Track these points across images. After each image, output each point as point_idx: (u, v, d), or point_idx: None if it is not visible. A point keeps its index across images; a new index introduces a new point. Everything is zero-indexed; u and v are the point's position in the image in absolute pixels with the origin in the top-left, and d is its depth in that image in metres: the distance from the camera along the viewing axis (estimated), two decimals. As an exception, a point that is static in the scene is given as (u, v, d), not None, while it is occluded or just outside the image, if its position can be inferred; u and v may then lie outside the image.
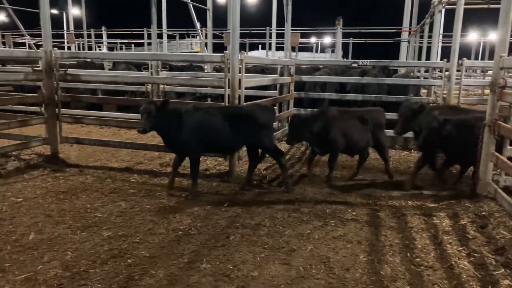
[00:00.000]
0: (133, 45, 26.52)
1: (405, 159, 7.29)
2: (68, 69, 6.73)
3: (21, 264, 3.31)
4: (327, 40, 29.95)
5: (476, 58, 24.00)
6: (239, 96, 5.77)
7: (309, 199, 4.94)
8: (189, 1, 15.04)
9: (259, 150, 5.45)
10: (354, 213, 4.56)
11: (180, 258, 3.46)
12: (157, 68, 9.06)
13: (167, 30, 21.32)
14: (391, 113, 6.56)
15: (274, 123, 6.51)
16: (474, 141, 4.95)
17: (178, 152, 5.14)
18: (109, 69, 12.11)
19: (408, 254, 3.61)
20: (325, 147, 5.63)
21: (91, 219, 4.22)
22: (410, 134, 5.87)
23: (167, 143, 5.07)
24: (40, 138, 6.50)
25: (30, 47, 19.86)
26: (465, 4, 7.48)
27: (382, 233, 4.04)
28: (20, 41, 21.64)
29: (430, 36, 12.39)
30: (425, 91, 11.00)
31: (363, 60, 8.63)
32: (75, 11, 25.63)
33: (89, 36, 22.29)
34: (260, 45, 26.90)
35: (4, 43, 19.79)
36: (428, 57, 13.01)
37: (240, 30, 5.73)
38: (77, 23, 25.18)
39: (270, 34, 20.34)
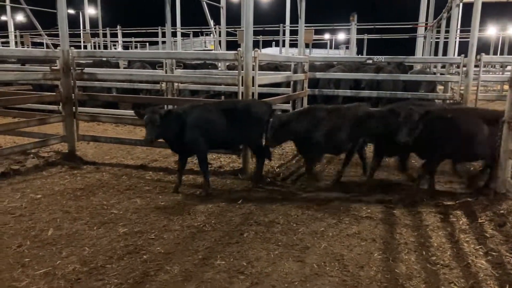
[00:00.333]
0: (147, 43, 26.78)
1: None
2: (85, 68, 6.85)
3: (40, 259, 3.39)
4: (341, 36, 29.67)
5: (495, 53, 23.43)
6: (253, 93, 5.77)
7: (323, 197, 4.92)
8: (203, -1, 15.10)
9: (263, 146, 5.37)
10: (369, 210, 4.52)
11: (195, 255, 3.49)
12: (171, 66, 9.13)
13: (181, 28, 21.47)
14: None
15: None
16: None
17: (184, 153, 5.15)
18: (124, 68, 12.26)
19: (424, 253, 3.56)
20: (307, 148, 5.31)
21: (108, 216, 4.29)
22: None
23: (172, 147, 5.14)
24: (58, 136, 6.63)
25: (48, 47, 20.25)
26: (483, -2, 7.32)
27: (397, 231, 4.01)
28: (38, 41, 22.09)
29: (447, 31, 12.16)
30: (442, 87, 10.82)
31: (378, 56, 8.51)
32: (91, 11, 26.01)
33: (104, 35, 22.60)
34: (274, 42, 26.82)
35: (22, 43, 20.22)
36: (445, 53, 12.79)
37: (254, 27, 5.72)
38: (93, 22, 25.56)
39: (284, 31, 20.29)
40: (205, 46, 27.06)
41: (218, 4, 16.15)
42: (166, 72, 9.13)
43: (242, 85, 5.64)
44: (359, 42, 21.61)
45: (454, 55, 10.93)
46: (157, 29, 20.06)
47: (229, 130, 5.06)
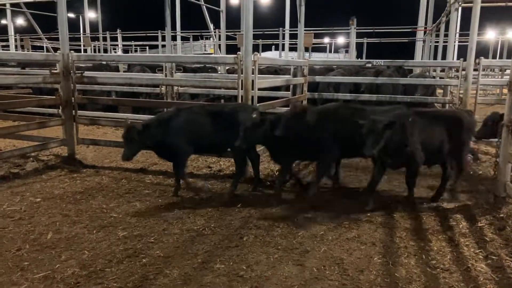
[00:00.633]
0: (147, 47, 26.84)
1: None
2: (85, 72, 6.86)
3: (40, 262, 3.38)
4: (340, 40, 29.76)
5: (494, 57, 23.49)
6: (252, 97, 5.78)
7: (323, 201, 4.92)
8: (203, 3, 15.14)
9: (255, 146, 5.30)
10: (368, 214, 4.52)
11: (194, 258, 3.49)
12: (171, 70, 9.15)
13: (181, 32, 21.52)
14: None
15: None
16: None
17: (171, 157, 5.14)
18: (124, 71, 12.28)
19: (424, 256, 3.56)
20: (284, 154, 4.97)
21: (107, 219, 4.28)
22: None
23: (159, 154, 5.19)
24: (58, 140, 6.63)
25: (48, 50, 20.28)
26: (482, 2, 7.35)
27: (396, 235, 4.00)
28: (38, 44, 22.12)
29: (446, 35, 12.19)
30: (441, 91, 10.84)
31: (377, 60, 8.54)
32: (91, 15, 26.07)
33: (104, 39, 22.64)
34: (274, 46, 26.91)
35: (22, 47, 20.25)
36: (444, 57, 12.81)
37: (253, 31, 5.74)
38: (93, 26, 25.61)
39: (283, 35, 20.34)
40: (205, 50, 27.12)
41: (218, 8, 16.21)
42: (166, 76, 9.14)
43: (241, 89, 5.65)
44: (359, 46, 21.68)
45: (453, 59, 10.95)
46: (157, 33, 20.11)
47: (215, 134, 5.00)
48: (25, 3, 18.78)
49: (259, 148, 5.53)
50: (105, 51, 22.80)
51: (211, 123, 5.01)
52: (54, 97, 6.56)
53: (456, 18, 10.54)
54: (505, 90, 12.62)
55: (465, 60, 7.50)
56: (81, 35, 23.64)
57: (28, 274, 3.20)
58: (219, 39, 16.31)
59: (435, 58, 15.08)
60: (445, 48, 11.69)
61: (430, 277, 3.24)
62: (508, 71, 14.28)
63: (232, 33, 19.21)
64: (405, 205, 4.77)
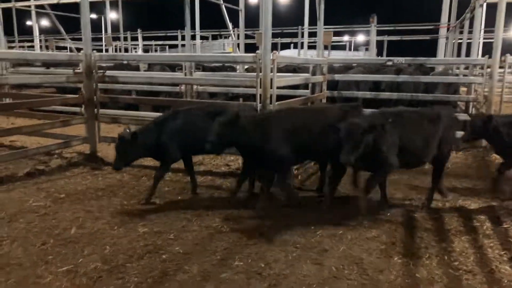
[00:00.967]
0: (167, 46, 27.11)
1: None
2: (106, 71, 6.99)
3: (63, 256, 3.48)
4: (360, 38, 29.36)
5: (520, 54, 22.75)
6: (271, 95, 5.78)
7: (341, 200, 4.87)
8: (222, 2, 15.20)
9: None
10: (388, 214, 4.46)
11: (213, 255, 3.52)
12: (190, 69, 9.23)
13: (200, 32, 21.64)
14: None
15: None
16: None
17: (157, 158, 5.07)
18: (145, 71, 12.45)
19: (446, 257, 3.49)
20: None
21: (128, 216, 4.36)
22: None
23: (154, 157, 5.10)
24: (80, 138, 6.79)
25: (71, 50, 20.76)
26: (508, -3, 7.14)
27: (417, 235, 3.93)
28: (62, 45, 22.64)
29: (470, 32, 11.87)
30: (465, 89, 10.57)
31: (398, 58, 8.38)
32: (112, 15, 26.52)
33: (125, 39, 22.98)
34: (292, 44, 26.74)
35: (47, 47, 20.78)
36: (468, 54, 12.48)
37: (272, 29, 5.73)
38: (114, 26, 26.05)
39: (302, 33, 20.19)
40: (224, 49, 27.22)
41: (236, 7, 16.25)
42: (185, 75, 9.22)
43: (260, 87, 5.65)
44: (379, 44, 21.33)
45: (477, 56, 10.65)
46: (177, 33, 20.30)
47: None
48: (49, 5, 19.28)
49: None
50: (126, 50, 23.15)
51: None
52: (77, 96, 6.71)
53: (480, 14, 10.27)
54: (532, 88, 12.22)
55: (490, 57, 7.30)
56: (103, 35, 24.08)
57: (52, 268, 3.29)
58: (238, 38, 16.34)
59: (458, 55, 14.69)
60: (469, 45, 11.38)
61: (452, 278, 3.17)
62: (535, 69, 13.82)
63: (251, 32, 19.21)
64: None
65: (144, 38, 24.75)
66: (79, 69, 6.51)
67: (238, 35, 16.27)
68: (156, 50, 27.07)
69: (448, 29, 17.64)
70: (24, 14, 25.48)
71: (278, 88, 5.98)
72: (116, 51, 23.16)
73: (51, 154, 6.70)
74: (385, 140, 4.14)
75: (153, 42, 26.20)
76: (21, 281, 3.09)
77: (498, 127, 4.90)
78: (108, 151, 7.24)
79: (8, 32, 17.73)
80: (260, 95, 5.66)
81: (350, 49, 30.32)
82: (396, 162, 4.27)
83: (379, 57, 19.13)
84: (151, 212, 4.46)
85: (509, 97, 10.33)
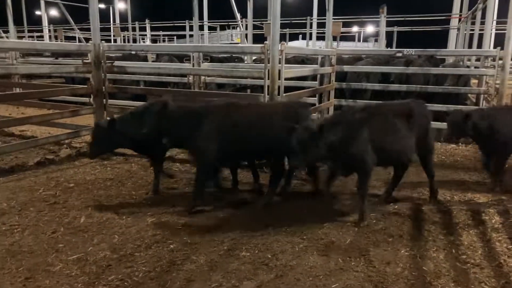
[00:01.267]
0: (175, 37, 27.06)
1: (451, 152, 6.99)
2: (115, 61, 7.01)
3: (73, 245, 3.53)
4: (370, 29, 28.98)
5: (534, 45, 22.31)
6: (279, 87, 5.75)
7: (349, 192, 4.87)
8: (230, -8, 15.08)
9: None
10: (396, 206, 4.45)
11: (220, 245, 3.54)
12: (198, 59, 9.21)
13: (208, 22, 21.55)
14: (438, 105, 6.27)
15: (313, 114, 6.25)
16: None
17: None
18: (153, 61, 12.46)
19: (453, 251, 3.48)
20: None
21: (136, 205, 4.41)
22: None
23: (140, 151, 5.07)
24: (89, 127, 6.82)
25: (80, 41, 20.83)
26: (523, -13, 6.96)
27: (425, 228, 3.92)
28: (71, 35, 22.71)
29: (482, 23, 11.66)
30: (476, 81, 10.42)
31: (408, 49, 8.27)
32: (121, 5, 26.51)
33: (133, 29, 22.98)
34: (301, 35, 26.54)
35: (56, 37, 20.86)
36: (480, 45, 12.28)
37: (281, 20, 5.68)
38: (123, 16, 26.04)
39: (311, 23, 19.99)
40: (232, 40, 27.10)
41: (245, -3, 16.10)
42: (193, 66, 9.21)
43: (268, 79, 5.63)
44: (389, 35, 21.04)
45: (489, 47, 10.47)
46: (185, 23, 20.23)
47: None
48: (58, -5, 19.35)
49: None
50: (134, 41, 23.17)
51: None
52: (86, 86, 6.75)
53: (493, 5, 10.06)
54: (545, 81, 11.99)
55: (502, 48, 7.17)
56: (111, 25, 24.10)
57: (63, 256, 3.35)
58: (246, 29, 16.25)
59: (469, 47, 14.45)
60: (481, 36, 11.19)
61: (459, 271, 3.16)
62: (548, 61, 13.55)
63: (259, 22, 19.06)
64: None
65: (152, 29, 24.69)
66: (88, 59, 6.54)
67: (246, 26, 16.17)
68: (164, 41, 27.04)
69: (459, 20, 17.32)
70: (33, 4, 25.60)
71: (286, 79, 5.96)
72: (124, 41, 23.18)
73: (60, 144, 6.77)
74: (353, 140, 3.91)
75: (161, 33, 26.13)
76: (32, 269, 3.15)
77: (477, 124, 4.69)
78: (116, 141, 7.30)
79: (17, 22, 17.79)
80: (268, 86, 5.65)
81: (359, 40, 29.98)
82: (372, 160, 4.00)
83: (389, 48, 18.91)
84: (159, 202, 4.49)
85: (521, 89, 10.15)
